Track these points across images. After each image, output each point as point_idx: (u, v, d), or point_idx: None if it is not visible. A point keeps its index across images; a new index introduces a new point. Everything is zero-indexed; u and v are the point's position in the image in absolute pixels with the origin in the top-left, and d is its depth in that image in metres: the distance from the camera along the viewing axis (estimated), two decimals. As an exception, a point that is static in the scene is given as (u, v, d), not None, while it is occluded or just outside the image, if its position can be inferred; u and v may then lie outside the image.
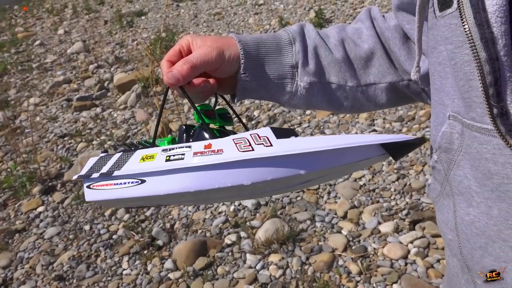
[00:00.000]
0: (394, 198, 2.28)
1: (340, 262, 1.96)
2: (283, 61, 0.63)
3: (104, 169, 0.56)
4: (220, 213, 2.42)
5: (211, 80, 0.62)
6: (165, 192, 0.52)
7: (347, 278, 1.87)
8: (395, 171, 2.46)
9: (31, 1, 11.22)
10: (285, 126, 3.17)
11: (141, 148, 0.56)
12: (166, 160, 0.52)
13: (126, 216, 2.54)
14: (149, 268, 2.13)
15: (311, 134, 3.01)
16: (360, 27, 0.69)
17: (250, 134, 0.50)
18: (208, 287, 1.96)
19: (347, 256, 1.98)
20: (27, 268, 2.30)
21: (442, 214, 0.55)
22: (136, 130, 3.62)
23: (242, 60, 0.61)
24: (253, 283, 1.94)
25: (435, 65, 0.50)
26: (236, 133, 0.55)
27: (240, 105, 3.61)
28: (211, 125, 0.62)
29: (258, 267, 2.00)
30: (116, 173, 0.55)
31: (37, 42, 7.01)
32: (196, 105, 0.60)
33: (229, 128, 0.65)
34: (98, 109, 4.13)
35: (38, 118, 4.20)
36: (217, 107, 0.64)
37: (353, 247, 2.02)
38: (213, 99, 0.69)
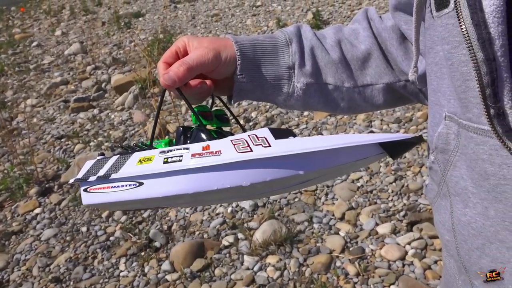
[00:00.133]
0: (392, 200, 2.28)
1: (338, 264, 1.96)
2: (279, 62, 0.63)
3: (101, 172, 0.56)
4: (217, 214, 2.41)
5: (208, 82, 0.61)
6: (163, 194, 0.52)
7: (345, 279, 1.87)
8: (393, 172, 2.46)
9: (28, 2, 11.20)
10: (283, 127, 3.17)
11: (138, 151, 0.56)
12: (164, 162, 0.52)
13: (123, 218, 2.53)
14: (146, 269, 2.12)
15: (309, 135, 3.01)
16: (357, 28, 0.68)
17: (248, 135, 0.50)
18: (205, 289, 1.95)
19: (344, 257, 1.98)
20: (23, 270, 2.29)
21: (439, 215, 0.55)
22: (133, 132, 3.61)
23: (239, 61, 0.60)
24: (251, 285, 1.93)
25: (432, 66, 0.50)
26: (234, 134, 0.54)
27: (237, 106, 3.61)
28: (208, 127, 0.61)
29: (255, 268, 2.00)
30: (113, 176, 0.54)
31: (35, 43, 7.00)
32: (193, 106, 0.60)
33: (226, 129, 0.65)
34: (96, 111, 4.12)
35: (35, 120, 4.19)
36: (214, 108, 0.64)
37: (350, 249, 2.02)
38: (210, 101, 0.68)
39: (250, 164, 0.49)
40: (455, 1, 0.40)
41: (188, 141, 0.58)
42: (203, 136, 0.56)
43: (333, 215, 2.25)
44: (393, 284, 1.81)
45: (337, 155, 0.49)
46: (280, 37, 0.64)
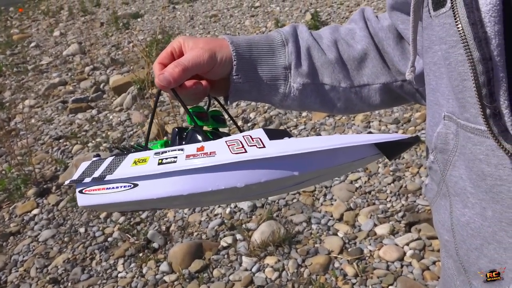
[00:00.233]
0: (390, 200, 2.28)
1: (336, 265, 1.95)
2: (275, 63, 0.63)
3: (96, 174, 0.55)
4: (216, 215, 2.41)
5: (204, 82, 0.61)
6: (158, 196, 0.51)
7: (343, 280, 1.86)
8: (391, 173, 2.46)
9: (27, 2, 11.19)
10: (281, 128, 3.18)
11: (134, 152, 0.56)
12: (159, 164, 0.52)
13: (122, 219, 2.53)
14: (144, 271, 2.12)
15: (307, 136, 3.01)
16: (354, 28, 0.68)
17: (243, 136, 0.50)
18: (203, 290, 1.95)
19: (343, 258, 1.98)
20: (21, 271, 2.28)
21: (439, 215, 0.54)
22: (132, 132, 3.61)
23: (235, 62, 0.60)
24: (249, 286, 1.93)
25: (430, 65, 0.50)
26: (230, 135, 0.54)
27: (236, 107, 3.61)
28: (205, 127, 0.61)
29: (254, 269, 2.00)
30: (108, 177, 0.54)
31: (33, 44, 6.99)
32: (189, 107, 0.59)
33: (223, 130, 0.65)
34: (94, 111, 4.12)
35: (33, 120, 4.18)
36: (211, 109, 0.64)
37: (349, 249, 2.02)
38: (208, 102, 0.68)
39: (244, 165, 0.49)
40: (451, 0, 0.40)
41: (184, 142, 0.58)
42: (199, 137, 0.56)
43: (332, 216, 2.25)
44: (391, 285, 1.81)
45: (332, 156, 0.49)
46: (276, 37, 0.64)
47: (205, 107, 0.65)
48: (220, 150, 0.50)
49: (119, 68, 5.08)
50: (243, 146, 0.49)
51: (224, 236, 2.23)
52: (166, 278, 2.05)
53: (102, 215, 2.58)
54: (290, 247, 2.08)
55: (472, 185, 0.46)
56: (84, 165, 0.58)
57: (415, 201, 2.23)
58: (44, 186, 2.99)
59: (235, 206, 2.43)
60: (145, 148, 0.57)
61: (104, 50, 5.93)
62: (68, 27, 7.86)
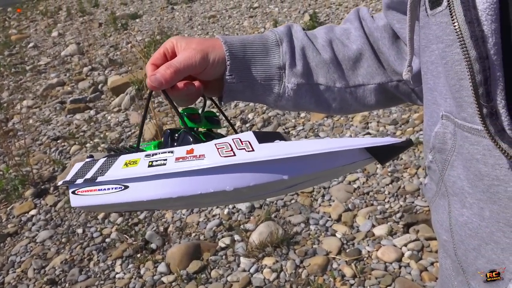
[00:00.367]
0: (388, 201, 2.28)
1: (334, 265, 1.95)
2: (270, 62, 0.62)
3: (88, 175, 0.56)
4: (214, 216, 2.41)
5: (196, 83, 0.61)
6: (148, 198, 0.51)
7: (341, 281, 1.86)
8: (389, 174, 2.46)
9: (25, 3, 11.18)
10: (280, 128, 3.17)
11: (126, 153, 0.56)
12: (149, 166, 0.52)
13: (119, 220, 2.52)
14: (142, 271, 2.11)
15: (305, 137, 3.01)
16: (349, 28, 0.68)
17: (233, 139, 0.49)
18: (201, 291, 1.94)
19: (341, 259, 1.97)
20: (18, 272, 2.27)
21: (437, 215, 0.54)
22: (130, 133, 3.61)
23: (228, 62, 0.60)
24: (247, 287, 1.93)
25: (428, 64, 0.49)
26: (225, 136, 0.54)
27: (234, 107, 3.61)
28: (201, 129, 0.61)
29: (252, 270, 1.99)
30: (99, 179, 0.54)
31: (31, 44, 6.99)
32: (182, 108, 0.59)
33: (219, 131, 0.64)
34: (92, 112, 4.11)
35: (31, 121, 4.17)
36: (205, 110, 0.63)
37: (347, 250, 2.02)
38: (203, 102, 0.68)
39: (233, 169, 0.48)
40: None
41: (175, 144, 0.58)
42: (190, 139, 0.56)
43: (330, 216, 2.25)
44: (389, 286, 1.81)
45: (322, 160, 0.48)
46: (270, 37, 0.64)
47: (201, 108, 0.64)
48: (209, 153, 0.49)
49: (117, 68, 5.08)
50: (232, 150, 0.48)
51: (222, 237, 2.23)
52: (164, 279, 2.04)
53: (100, 216, 2.57)
54: (288, 248, 2.07)
55: (470, 185, 0.46)
56: (77, 166, 0.58)
57: (413, 202, 2.23)
58: (42, 187, 2.99)
59: (233, 207, 2.43)
60: (137, 149, 0.57)
61: (102, 50, 5.92)
62: (66, 28, 7.86)
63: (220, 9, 7.08)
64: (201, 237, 2.27)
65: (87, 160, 0.58)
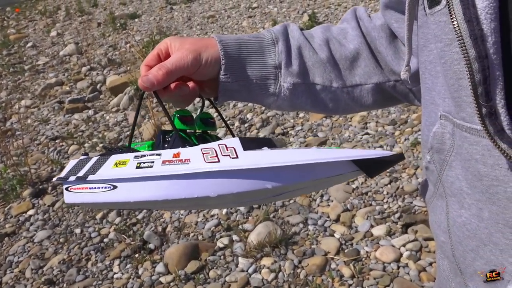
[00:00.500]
0: (387, 201, 2.28)
1: (333, 266, 1.95)
2: (265, 62, 0.62)
3: (81, 173, 0.56)
4: (212, 216, 2.40)
5: (191, 84, 0.60)
6: (134, 199, 0.52)
7: (340, 281, 1.86)
8: (388, 174, 2.46)
9: (23, 2, 11.17)
10: (278, 128, 3.17)
11: (119, 153, 0.56)
12: (137, 167, 0.52)
13: (118, 219, 2.51)
14: (140, 271, 2.11)
15: (304, 137, 3.01)
16: (346, 27, 0.67)
17: (218, 145, 0.49)
18: (199, 291, 1.94)
19: (339, 259, 1.97)
20: (16, 272, 2.27)
21: (435, 215, 0.54)
22: (128, 133, 3.60)
23: (223, 61, 0.59)
24: (245, 287, 1.92)
25: (426, 64, 0.49)
26: (220, 138, 0.54)
27: (233, 107, 3.61)
28: (196, 130, 0.61)
29: (250, 270, 1.99)
30: (90, 177, 0.55)
31: (29, 44, 6.97)
32: (176, 110, 0.59)
33: (214, 133, 0.64)
34: (90, 112, 4.10)
35: (29, 121, 4.17)
36: (201, 112, 0.63)
37: (345, 251, 2.02)
38: (201, 103, 0.67)
39: (217, 175, 0.48)
40: None
41: (166, 145, 0.58)
42: (180, 141, 0.55)
43: (328, 216, 2.25)
44: (388, 286, 1.81)
45: (307, 171, 0.47)
46: (266, 36, 0.63)
47: (200, 109, 0.64)
48: (194, 158, 0.49)
49: (116, 68, 5.07)
50: (217, 155, 0.48)
51: (221, 237, 2.22)
52: (162, 279, 2.04)
53: (98, 216, 2.57)
54: (286, 248, 2.07)
55: (469, 185, 0.45)
56: (72, 163, 0.59)
57: (411, 202, 2.23)
58: (40, 187, 2.98)
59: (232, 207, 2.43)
60: (128, 149, 0.57)
61: (101, 50, 5.92)
62: (65, 27, 7.84)
63: (219, 9, 7.08)
64: (199, 237, 2.26)
65: (82, 157, 0.59)
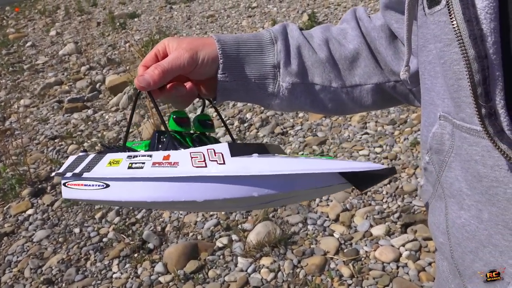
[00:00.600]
0: (386, 201, 2.28)
1: (332, 265, 1.95)
2: (264, 61, 0.61)
3: (77, 170, 0.57)
4: (211, 215, 2.40)
5: (188, 84, 0.60)
6: (125, 199, 0.52)
7: (339, 281, 1.86)
8: (387, 174, 2.46)
9: (23, 2, 11.16)
10: (278, 128, 3.17)
11: (115, 151, 0.56)
12: (128, 167, 0.52)
13: (117, 219, 2.51)
14: (139, 271, 2.10)
15: (304, 137, 3.01)
16: (345, 27, 0.67)
17: (207, 149, 0.49)
18: (198, 291, 1.94)
19: (339, 259, 1.97)
20: (15, 272, 2.26)
21: (434, 217, 0.54)
22: (127, 132, 3.59)
23: (221, 60, 0.59)
24: (245, 287, 1.92)
25: (425, 64, 0.49)
26: (218, 140, 0.53)
27: (232, 107, 3.60)
28: (195, 131, 0.61)
29: (249, 270, 1.99)
30: (85, 174, 0.56)
31: (29, 43, 6.97)
32: (172, 111, 0.59)
33: (212, 134, 0.64)
34: (90, 111, 4.10)
35: (28, 120, 4.16)
36: (202, 113, 0.63)
37: (345, 250, 2.02)
38: (202, 104, 0.67)
39: (203, 180, 0.48)
40: None
41: (160, 146, 0.58)
42: (175, 143, 0.55)
43: (328, 216, 2.25)
44: (387, 286, 1.81)
45: (294, 181, 0.47)
46: (265, 35, 0.63)
47: (200, 109, 0.64)
48: (183, 161, 0.49)
49: (115, 68, 5.06)
50: (204, 160, 0.48)
51: (220, 236, 2.22)
52: (161, 278, 2.03)
53: (97, 215, 2.57)
54: (286, 247, 2.07)
55: (468, 186, 0.45)
56: (70, 159, 0.60)
57: (411, 202, 2.23)
58: (39, 186, 2.98)
59: (231, 207, 2.42)
60: (123, 148, 0.58)
61: (100, 49, 5.91)
62: (65, 27, 7.84)
63: (218, 9, 7.07)
64: (199, 237, 2.26)
65: (80, 154, 0.60)
